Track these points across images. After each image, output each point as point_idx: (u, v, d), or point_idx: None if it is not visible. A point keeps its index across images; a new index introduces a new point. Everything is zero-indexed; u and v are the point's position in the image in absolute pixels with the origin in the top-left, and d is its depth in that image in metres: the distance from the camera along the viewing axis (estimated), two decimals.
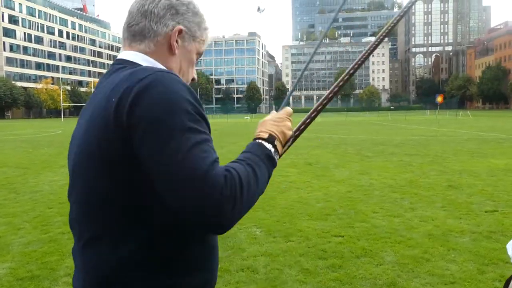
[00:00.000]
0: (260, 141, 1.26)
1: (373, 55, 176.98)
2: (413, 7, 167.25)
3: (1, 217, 6.91)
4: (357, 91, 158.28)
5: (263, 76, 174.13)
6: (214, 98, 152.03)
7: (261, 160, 1.20)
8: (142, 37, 1.28)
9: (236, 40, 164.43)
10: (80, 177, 1.21)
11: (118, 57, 1.30)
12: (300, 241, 5.55)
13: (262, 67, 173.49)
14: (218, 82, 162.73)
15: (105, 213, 1.17)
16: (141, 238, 1.16)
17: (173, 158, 1.04)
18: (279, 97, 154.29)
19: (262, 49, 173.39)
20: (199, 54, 1.38)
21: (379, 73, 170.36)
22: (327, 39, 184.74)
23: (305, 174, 10.88)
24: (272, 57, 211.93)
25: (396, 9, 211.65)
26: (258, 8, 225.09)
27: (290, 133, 1.34)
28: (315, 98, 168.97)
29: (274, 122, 1.33)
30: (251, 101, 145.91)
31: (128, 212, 1.15)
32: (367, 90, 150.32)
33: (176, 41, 1.29)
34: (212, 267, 1.31)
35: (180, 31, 1.29)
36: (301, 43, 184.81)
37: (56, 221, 6.61)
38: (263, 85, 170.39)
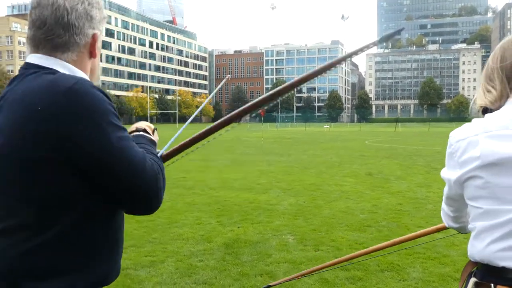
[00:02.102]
0: (140, 133, 1.56)
1: (463, 63, 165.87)
2: (508, 11, 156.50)
3: None
4: (445, 101, 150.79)
5: (345, 84, 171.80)
6: (294, 107, 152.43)
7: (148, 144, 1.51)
8: (66, 49, 1.34)
9: (318, 49, 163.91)
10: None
11: (30, 61, 1.33)
12: (330, 251, 5.50)
13: (345, 75, 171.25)
14: (299, 90, 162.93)
15: (22, 205, 1.26)
16: (61, 225, 1.26)
17: (117, 151, 1.25)
18: (361, 106, 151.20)
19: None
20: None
21: (469, 81, 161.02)
22: (414, 46, 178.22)
23: (361, 184, 10.66)
24: (355, 66, 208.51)
25: (490, 14, 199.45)
26: (342, 16, 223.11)
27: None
28: (399, 107, 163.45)
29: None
30: (332, 110, 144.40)
31: (50, 202, 1.25)
32: (455, 100, 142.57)
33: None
34: (116, 257, 1.42)
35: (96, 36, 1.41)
36: (386, 51, 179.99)
37: None
38: (345, 94, 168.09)
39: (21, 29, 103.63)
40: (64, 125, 1.20)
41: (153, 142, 1.55)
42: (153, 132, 1.62)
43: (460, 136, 1.41)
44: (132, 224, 6.75)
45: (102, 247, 1.35)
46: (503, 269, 1.29)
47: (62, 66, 1.35)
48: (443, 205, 1.66)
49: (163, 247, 5.63)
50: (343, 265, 4.79)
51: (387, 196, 9.10)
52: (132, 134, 1.53)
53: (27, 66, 1.34)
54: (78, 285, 1.29)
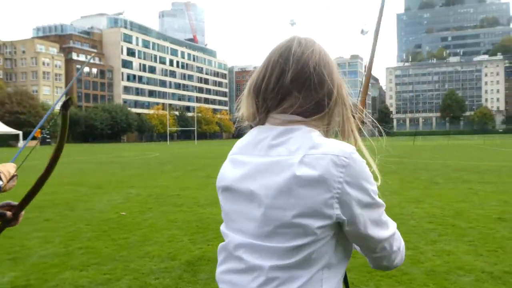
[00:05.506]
0: None
1: (486, 75, 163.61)
2: None
3: (39, 231, 7.62)
4: (468, 113, 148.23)
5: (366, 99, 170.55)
6: None
7: None
8: None
9: (338, 63, 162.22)
10: None
11: None
12: None
13: None
14: None
15: None
16: None
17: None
18: (382, 120, 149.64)
19: (365, 71, 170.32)
20: None
21: (492, 93, 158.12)
22: (434, 59, 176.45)
23: None
24: (375, 79, 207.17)
25: None
26: (362, 31, 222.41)
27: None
28: (421, 120, 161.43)
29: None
30: None
31: None
32: (479, 112, 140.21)
33: None
34: None
35: None
36: (406, 64, 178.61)
37: (83, 236, 7.18)
38: (365, 108, 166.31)
39: (45, 50, 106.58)
40: None
41: None
42: (10, 179, 1.67)
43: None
44: (105, 242, 6.83)
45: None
46: None
47: None
48: None
49: (126, 265, 5.66)
50: None
51: None
52: None
53: None
54: None
